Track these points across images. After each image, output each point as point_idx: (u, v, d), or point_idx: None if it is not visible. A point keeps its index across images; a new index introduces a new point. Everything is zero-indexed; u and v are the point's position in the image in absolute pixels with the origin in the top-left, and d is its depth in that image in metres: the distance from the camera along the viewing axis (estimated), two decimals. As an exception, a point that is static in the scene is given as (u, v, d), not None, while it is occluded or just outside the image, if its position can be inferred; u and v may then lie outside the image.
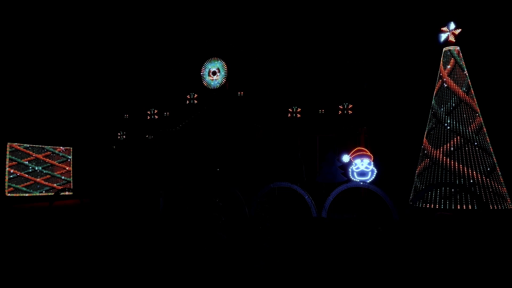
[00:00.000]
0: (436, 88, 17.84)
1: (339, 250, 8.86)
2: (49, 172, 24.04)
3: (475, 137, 16.21)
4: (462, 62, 17.39)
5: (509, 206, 15.79)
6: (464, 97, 16.83)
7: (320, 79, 22.79)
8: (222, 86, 23.60)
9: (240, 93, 22.25)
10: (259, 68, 23.20)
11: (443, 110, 16.97)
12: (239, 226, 11.94)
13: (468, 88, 17.08)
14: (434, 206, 15.78)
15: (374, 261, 7.76)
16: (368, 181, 13.41)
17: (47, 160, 24.07)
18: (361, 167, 13.49)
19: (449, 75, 17.31)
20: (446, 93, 17.24)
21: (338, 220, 13.50)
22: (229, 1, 26.99)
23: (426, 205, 16.10)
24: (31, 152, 23.51)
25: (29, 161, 23.36)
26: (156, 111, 24.51)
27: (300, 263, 7.64)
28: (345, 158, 14.17)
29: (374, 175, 13.40)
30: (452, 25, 17.56)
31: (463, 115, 16.47)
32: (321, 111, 21.26)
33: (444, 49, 17.75)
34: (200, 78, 24.16)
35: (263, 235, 8.00)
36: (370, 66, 22.64)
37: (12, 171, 22.60)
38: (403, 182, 20.09)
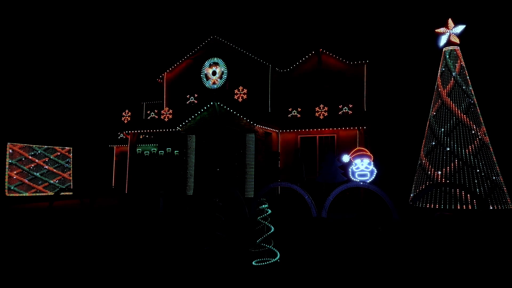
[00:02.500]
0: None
1: (339, 250, 8.87)
2: (49, 172, 24.03)
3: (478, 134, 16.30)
4: (463, 63, 17.39)
5: (509, 206, 15.80)
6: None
7: (320, 79, 22.79)
8: (222, 86, 23.55)
9: (240, 94, 22.22)
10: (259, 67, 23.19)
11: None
12: (239, 226, 11.94)
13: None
14: (434, 206, 15.79)
15: (374, 261, 7.77)
16: (368, 181, 13.41)
17: (47, 160, 24.06)
18: (361, 167, 13.48)
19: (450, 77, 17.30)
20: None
21: (338, 220, 13.50)
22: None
23: (426, 205, 16.10)
24: (31, 152, 23.52)
25: (29, 161, 23.36)
26: (156, 111, 24.51)
27: (299, 262, 7.64)
28: (345, 158, 14.17)
29: (374, 175, 13.40)
30: (451, 24, 17.56)
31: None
32: (321, 112, 21.28)
33: (444, 49, 17.76)
34: (200, 78, 24.12)
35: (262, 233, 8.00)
36: (370, 66, 22.64)
37: (14, 169, 22.61)
38: (403, 182, 20.10)
